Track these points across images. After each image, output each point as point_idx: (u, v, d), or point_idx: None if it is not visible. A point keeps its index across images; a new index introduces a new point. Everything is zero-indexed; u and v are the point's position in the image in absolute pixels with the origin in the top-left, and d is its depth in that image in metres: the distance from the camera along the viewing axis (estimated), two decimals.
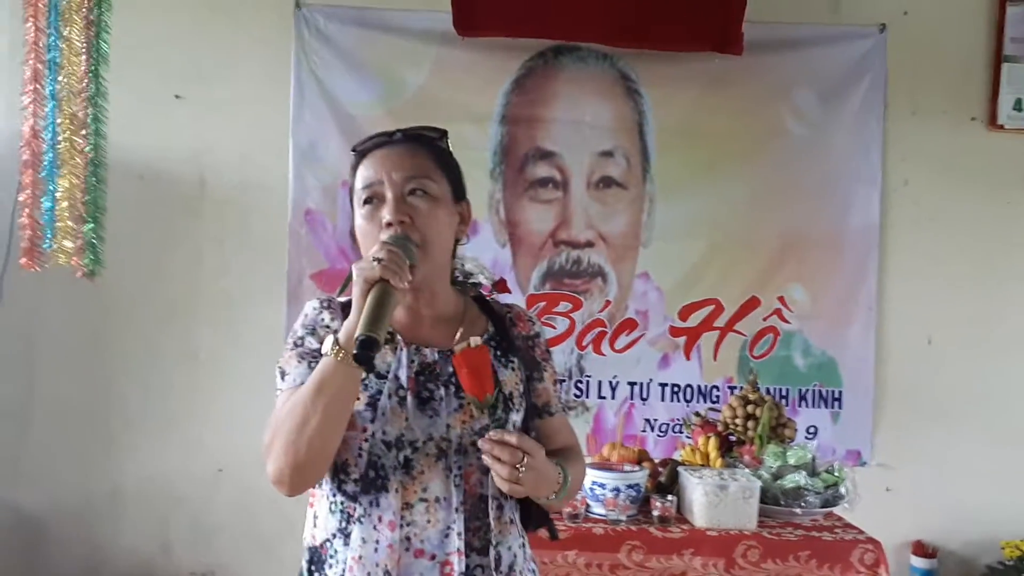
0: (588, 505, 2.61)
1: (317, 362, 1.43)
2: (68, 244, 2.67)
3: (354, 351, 1.32)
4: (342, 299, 1.57)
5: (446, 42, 3.75)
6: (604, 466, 2.69)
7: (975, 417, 3.92)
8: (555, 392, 1.64)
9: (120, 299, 3.75)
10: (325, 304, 1.57)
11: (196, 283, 3.80)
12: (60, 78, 2.78)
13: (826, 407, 3.90)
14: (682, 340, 3.89)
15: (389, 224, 1.46)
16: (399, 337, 1.52)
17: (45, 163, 2.67)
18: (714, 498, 2.56)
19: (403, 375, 1.48)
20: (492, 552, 1.47)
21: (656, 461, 2.90)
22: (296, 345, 1.51)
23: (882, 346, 3.91)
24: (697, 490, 2.58)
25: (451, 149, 1.61)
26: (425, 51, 3.80)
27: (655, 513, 2.58)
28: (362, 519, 1.46)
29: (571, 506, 2.56)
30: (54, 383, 3.77)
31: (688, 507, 2.63)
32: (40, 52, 2.70)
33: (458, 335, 1.49)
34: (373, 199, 1.49)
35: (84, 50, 2.74)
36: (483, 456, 1.41)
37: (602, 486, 2.58)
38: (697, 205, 3.89)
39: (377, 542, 1.45)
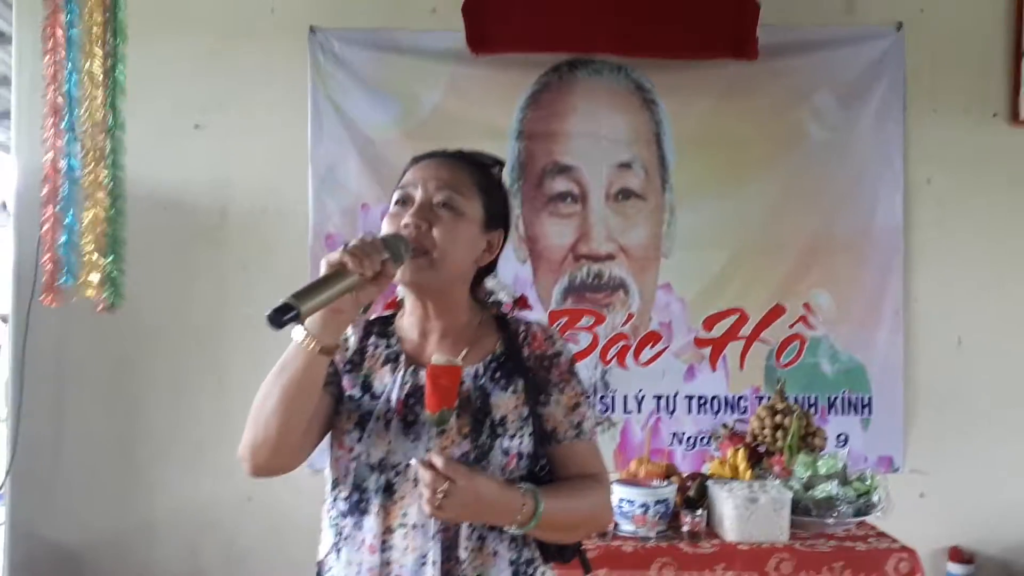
0: (616, 523, 2.58)
1: (333, 366, 1.50)
2: (93, 278, 2.69)
3: (267, 312, 1.28)
4: (375, 315, 1.61)
5: (460, 60, 3.76)
6: (632, 482, 2.67)
7: (1009, 418, 3.86)
8: (567, 418, 1.55)
9: (146, 329, 3.78)
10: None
11: (221, 311, 3.82)
12: (79, 111, 2.81)
13: (856, 414, 3.85)
14: (707, 351, 3.86)
15: (406, 226, 1.47)
16: (402, 358, 1.53)
17: (62, 197, 2.70)
18: (744, 511, 2.53)
19: (394, 396, 1.50)
20: None
21: (684, 475, 2.87)
22: None
23: (911, 349, 3.86)
24: (727, 504, 2.55)
25: (502, 181, 1.63)
26: (440, 70, 3.81)
27: (685, 528, 2.56)
28: (348, 540, 1.48)
29: None
30: (83, 416, 3.81)
31: (718, 521, 2.60)
32: (59, 86, 2.74)
33: (462, 355, 1.50)
34: (404, 201, 1.51)
35: (102, 82, 2.77)
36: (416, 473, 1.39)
37: (631, 503, 2.56)
38: (718, 213, 3.86)
39: (360, 564, 1.47)
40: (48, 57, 2.81)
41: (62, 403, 3.81)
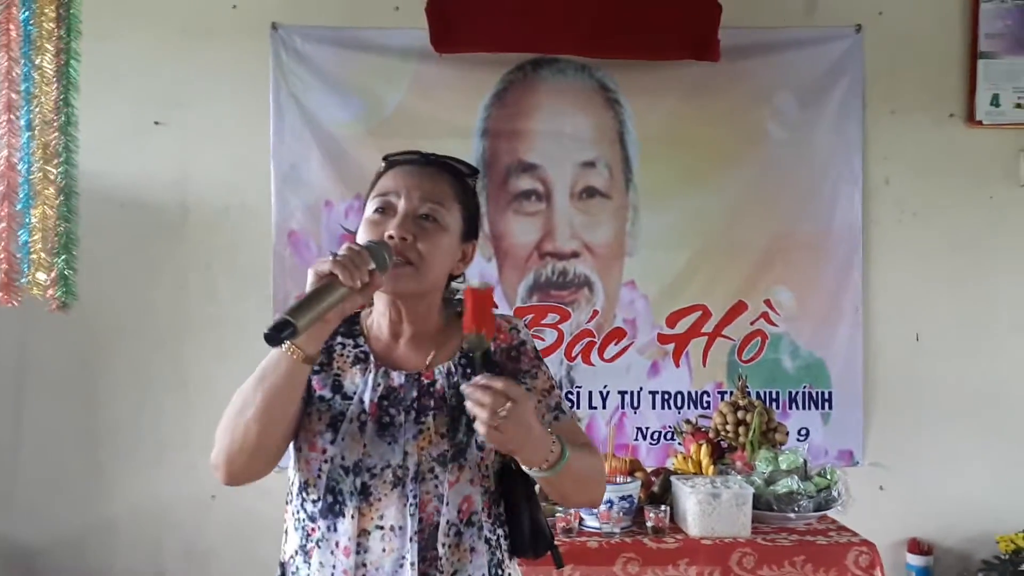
0: (582, 519, 2.60)
1: None
2: (42, 276, 2.64)
3: (265, 330, 1.28)
4: None
5: (424, 59, 3.75)
6: None
7: (966, 412, 3.93)
8: (544, 401, 1.55)
9: (107, 328, 3.74)
10: None
11: (183, 309, 3.79)
12: (33, 107, 2.76)
13: (816, 408, 3.91)
14: (671, 347, 3.90)
15: (391, 238, 1.46)
16: (372, 359, 1.53)
17: (21, 195, 2.65)
18: (707, 507, 2.55)
19: (367, 398, 1.48)
20: None
21: (649, 471, 2.89)
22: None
23: (870, 345, 3.93)
24: (690, 499, 2.58)
25: (475, 191, 1.61)
26: (403, 68, 3.80)
27: (649, 524, 2.58)
28: (320, 543, 1.47)
29: (564, 520, 2.55)
30: (43, 414, 3.76)
31: (682, 516, 2.63)
32: (14, 82, 2.69)
33: (429, 358, 1.51)
34: (385, 209, 1.50)
35: (55, 79, 2.73)
36: (466, 402, 1.34)
37: None
38: (681, 212, 3.89)
39: (334, 567, 1.45)
40: (2, 53, 2.76)
41: (22, 402, 3.75)
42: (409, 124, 3.76)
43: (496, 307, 1.49)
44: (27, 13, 2.70)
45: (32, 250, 2.76)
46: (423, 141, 3.87)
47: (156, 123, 3.77)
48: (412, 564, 1.43)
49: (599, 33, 3.66)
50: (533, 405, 1.40)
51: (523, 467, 1.45)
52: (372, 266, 1.38)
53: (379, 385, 1.49)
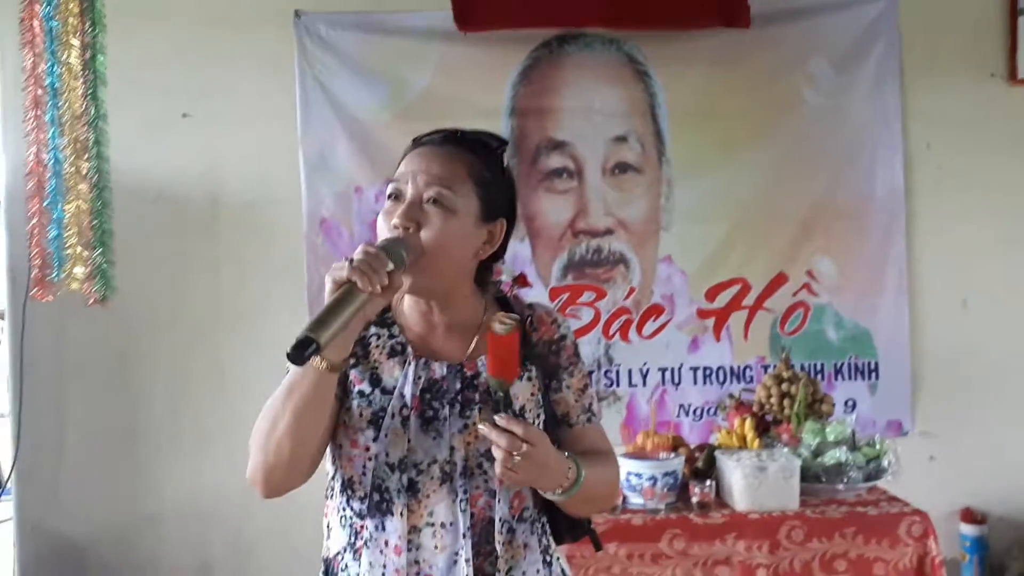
0: (625, 496, 2.56)
1: None
2: (79, 271, 2.66)
3: (288, 350, 1.23)
4: None
5: (448, 39, 3.71)
6: (639, 455, 2.65)
7: (1016, 378, 3.84)
8: (579, 401, 1.53)
9: (143, 322, 3.75)
10: None
11: (217, 301, 3.79)
12: (60, 103, 2.77)
13: (863, 379, 3.83)
14: (711, 322, 3.83)
15: (395, 227, 1.40)
16: (409, 350, 1.47)
17: (49, 191, 2.66)
18: (753, 480, 2.51)
19: (408, 392, 1.43)
20: None
21: (692, 446, 2.85)
22: None
23: (916, 313, 3.84)
24: (736, 473, 2.53)
25: (505, 163, 1.53)
26: (428, 50, 3.77)
27: (694, 499, 2.54)
28: (368, 543, 1.43)
29: None
30: (85, 410, 3.78)
31: (728, 491, 2.58)
32: (40, 78, 2.70)
33: (470, 349, 1.46)
34: (396, 196, 1.44)
35: (82, 73, 2.73)
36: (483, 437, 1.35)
37: (638, 476, 2.53)
38: (716, 184, 3.82)
39: (384, 567, 1.42)
40: (27, 50, 2.77)
41: (63, 398, 3.78)
42: (436, 106, 3.72)
43: (479, 375, 1.44)
44: (48, 8, 2.70)
45: (68, 245, 2.78)
46: (451, 123, 3.83)
47: (184, 115, 3.77)
48: (467, 560, 1.40)
49: (624, 4, 3.60)
50: (549, 445, 1.37)
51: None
52: (390, 267, 1.32)
53: (420, 378, 1.44)
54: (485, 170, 1.47)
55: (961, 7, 3.84)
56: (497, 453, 1.32)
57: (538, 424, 1.47)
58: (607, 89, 3.83)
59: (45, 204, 2.67)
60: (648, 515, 2.49)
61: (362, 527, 1.43)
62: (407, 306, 1.50)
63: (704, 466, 2.71)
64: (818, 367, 3.79)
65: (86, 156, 2.83)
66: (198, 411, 3.78)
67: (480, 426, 1.35)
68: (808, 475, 2.59)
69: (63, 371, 3.78)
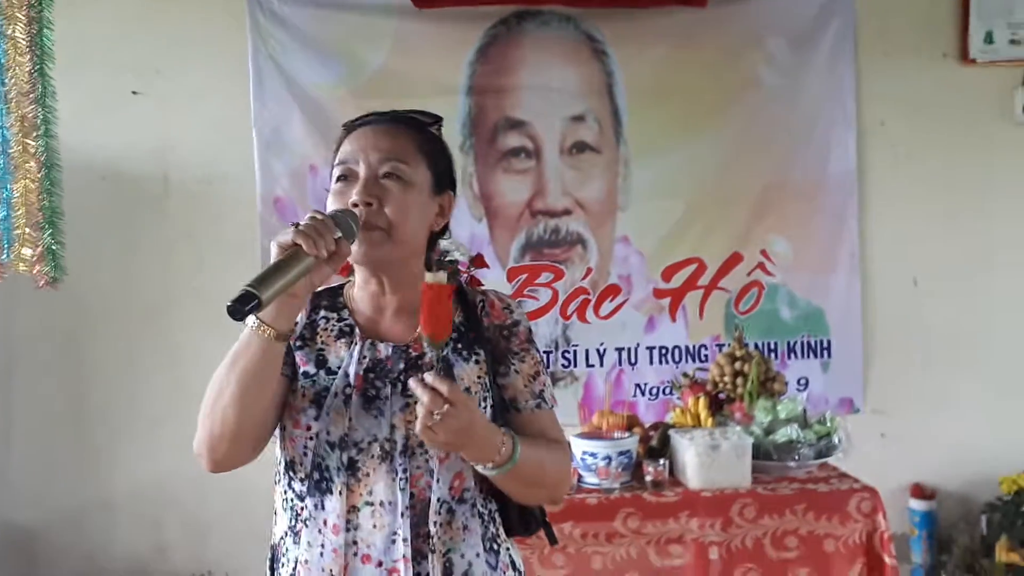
0: (580, 476, 2.57)
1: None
2: (27, 252, 2.58)
3: (227, 303, 1.22)
4: (323, 287, 1.49)
5: (405, 16, 3.67)
6: (594, 435, 2.65)
7: (966, 356, 3.91)
8: (528, 387, 1.51)
9: (93, 304, 3.69)
10: None
11: (170, 282, 3.74)
12: (7, 80, 2.69)
13: (816, 357, 3.87)
14: (667, 302, 3.85)
15: (355, 204, 1.40)
16: (357, 332, 1.46)
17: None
18: (706, 458, 2.52)
19: (352, 371, 1.43)
20: (432, 559, 1.40)
21: (647, 426, 2.86)
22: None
23: (868, 291, 3.89)
24: (689, 451, 2.55)
25: (442, 139, 1.54)
26: (384, 27, 3.72)
27: (648, 478, 2.55)
28: (307, 522, 1.42)
29: None
30: (35, 394, 3.72)
31: (681, 469, 2.60)
32: None
33: (418, 331, 1.43)
34: (347, 177, 1.44)
35: (28, 49, 2.65)
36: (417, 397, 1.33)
37: (593, 455, 2.54)
38: (673, 164, 3.83)
39: (323, 546, 1.41)
40: None
41: (11, 382, 3.72)
42: (392, 83, 3.69)
43: (424, 355, 1.42)
44: None
45: (16, 226, 2.70)
46: (407, 100, 3.76)
47: (134, 93, 3.70)
48: (405, 540, 1.39)
49: None
50: (474, 411, 1.35)
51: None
52: (338, 234, 1.32)
53: (365, 358, 1.43)
54: (429, 143, 1.49)
55: None
56: (419, 410, 1.31)
57: (485, 408, 1.46)
58: (565, 68, 3.81)
59: None
60: (603, 494, 2.50)
61: (302, 508, 1.42)
62: (358, 289, 1.50)
63: (658, 445, 2.72)
64: (772, 346, 3.84)
65: (34, 134, 2.75)
66: (151, 393, 3.73)
67: (410, 382, 1.34)
68: (760, 453, 2.61)
69: (11, 354, 3.71)
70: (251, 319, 1.31)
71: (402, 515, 1.39)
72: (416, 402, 1.36)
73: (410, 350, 1.45)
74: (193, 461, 3.77)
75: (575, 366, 3.83)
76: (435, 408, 1.30)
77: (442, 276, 1.36)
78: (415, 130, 1.49)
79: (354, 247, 1.38)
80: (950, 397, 3.88)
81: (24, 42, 2.69)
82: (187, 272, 3.72)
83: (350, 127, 1.50)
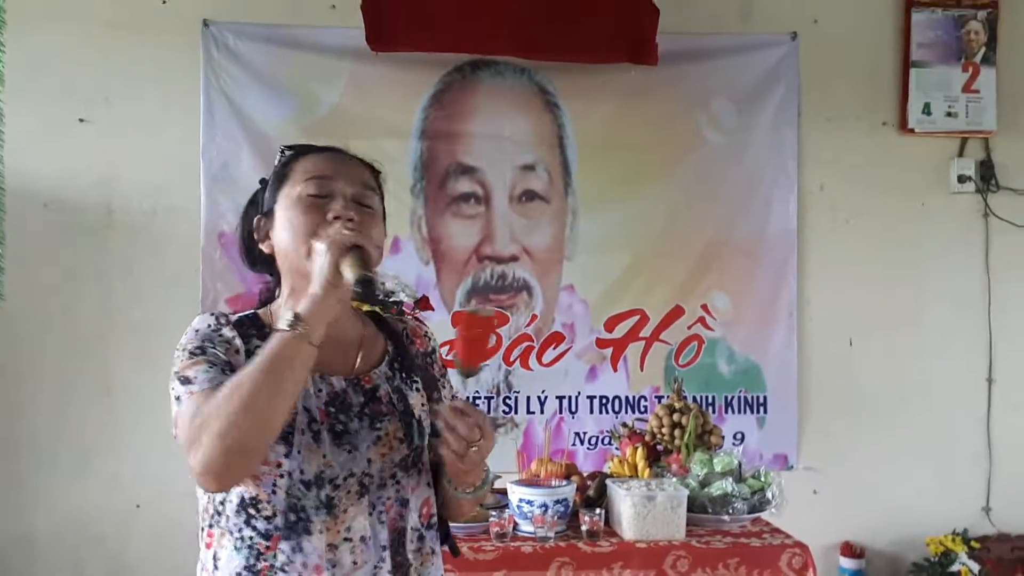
0: (516, 523, 2.56)
1: (232, 369, 1.33)
2: None
3: (354, 288, 1.27)
4: (235, 315, 1.47)
5: (360, 58, 3.69)
6: (531, 483, 2.64)
7: (898, 417, 3.98)
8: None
9: (27, 332, 3.60)
10: (222, 320, 1.44)
11: (107, 313, 3.67)
12: None
13: (752, 413, 3.93)
14: (609, 351, 3.88)
15: (337, 218, 1.37)
16: None
17: None
18: (642, 509, 2.53)
19: (312, 406, 1.39)
20: None
21: (585, 475, 2.86)
22: (197, 353, 1.37)
23: (804, 350, 3.96)
24: (625, 502, 2.55)
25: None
26: (339, 67, 3.74)
27: (584, 528, 2.54)
28: (286, 567, 1.36)
29: (498, 525, 2.50)
30: None
31: (617, 519, 2.60)
32: None
33: (358, 361, 1.46)
34: (322, 193, 1.41)
35: None
36: (438, 422, 1.34)
37: (530, 503, 2.53)
38: (619, 216, 3.89)
39: None
40: None
41: None
42: (345, 124, 3.71)
43: (378, 388, 1.45)
44: None
45: None
46: (359, 141, 3.77)
47: (81, 120, 3.65)
48: (389, 572, 1.38)
49: (537, 34, 3.64)
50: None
51: (447, 485, 1.46)
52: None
53: (321, 392, 1.40)
54: (378, 181, 1.53)
55: (858, 57, 4.00)
56: (452, 439, 1.32)
57: (428, 434, 1.48)
58: (517, 117, 3.87)
59: None
60: (538, 543, 2.48)
61: (267, 548, 1.36)
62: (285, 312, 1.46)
63: (595, 494, 2.72)
64: (709, 399, 3.88)
65: None
66: (82, 427, 3.64)
67: (443, 408, 1.34)
68: (695, 505, 2.62)
69: None
70: (285, 322, 1.28)
71: (383, 547, 1.39)
72: (388, 434, 1.40)
73: (363, 383, 1.44)
74: (120, 496, 3.70)
75: (516, 413, 3.83)
76: (473, 439, 1.32)
77: (488, 309, 1.37)
78: (371, 168, 1.52)
79: (349, 275, 1.32)
80: (881, 457, 3.95)
81: None
82: (126, 303, 3.66)
83: (305, 149, 1.49)
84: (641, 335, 3.88)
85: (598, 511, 2.56)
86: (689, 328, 3.90)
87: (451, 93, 3.83)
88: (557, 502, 2.54)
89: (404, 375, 1.49)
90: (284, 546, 1.36)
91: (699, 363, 3.90)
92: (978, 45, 3.99)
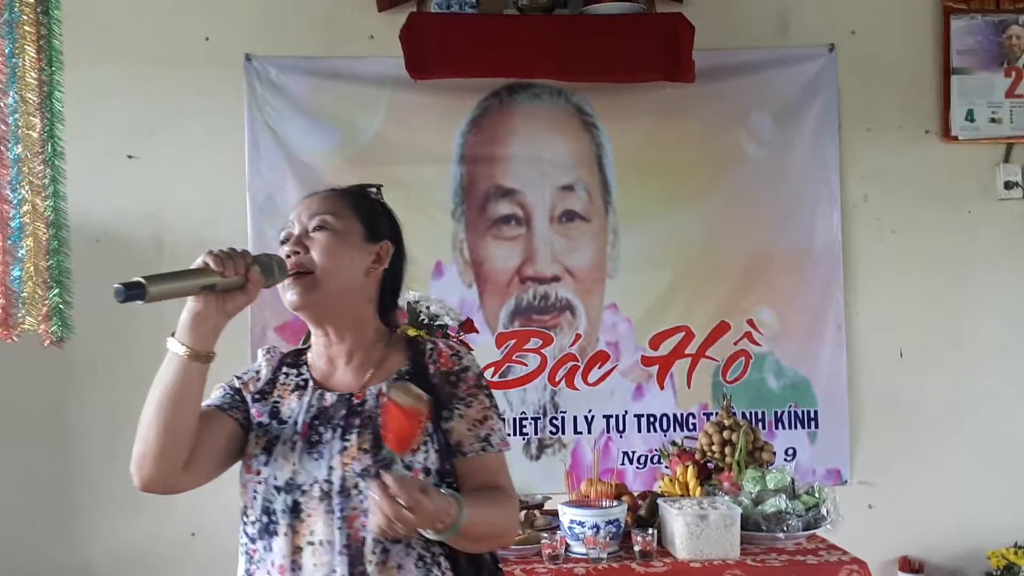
0: (568, 545, 2.55)
1: (233, 393, 1.58)
2: (34, 311, 2.61)
3: (116, 283, 1.36)
4: (287, 349, 1.67)
5: (399, 86, 3.74)
6: (582, 503, 2.64)
7: (952, 427, 3.92)
8: (472, 431, 1.55)
9: (82, 367, 3.67)
10: (266, 352, 1.66)
11: (160, 345, 3.68)
12: (21, 140, 2.74)
13: (803, 427, 3.89)
14: (655, 369, 3.87)
15: (288, 255, 1.53)
16: (310, 384, 1.58)
17: (13, 229, 2.61)
18: (695, 528, 2.51)
19: (300, 419, 1.53)
20: None
21: (636, 494, 2.85)
22: (231, 380, 1.62)
23: (854, 363, 3.91)
24: (677, 521, 2.54)
25: (383, 201, 1.68)
26: (379, 96, 3.80)
27: (636, 548, 2.53)
28: (259, 564, 1.50)
29: (550, 547, 2.50)
30: (17, 455, 3.68)
31: (670, 539, 2.58)
32: (3, 114, 2.66)
33: (366, 378, 1.56)
34: (286, 239, 1.57)
35: (38, 110, 2.70)
36: (369, 496, 1.40)
37: (581, 524, 2.53)
38: (660, 234, 3.89)
39: None
40: None
41: None
42: (386, 152, 3.76)
43: (422, 427, 1.46)
44: (11, 47, 2.67)
45: (24, 285, 2.72)
46: (400, 168, 3.88)
47: (129, 157, 3.74)
48: None
49: (574, 56, 3.64)
50: (428, 501, 1.36)
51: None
52: (252, 265, 1.44)
53: (312, 407, 1.54)
54: (363, 200, 1.64)
55: (897, 66, 3.97)
56: (379, 517, 1.36)
57: (427, 454, 1.50)
58: (555, 139, 3.89)
59: (10, 242, 2.62)
60: (590, 564, 2.47)
61: (254, 551, 1.50)
62: (313, 345, 1.62)
63: (647, 514, 2.71)
64: (759, 415, 3.85)
65: (43, 194, 2.79)
66: None
67: (370, 486, 1.39)
68: (748, 523, 2.60)
69: None
70: (172, 343, 1.44)
71: (339, 553, 1.45)
72: (353, 445, 1.48)
73: (353, 398, 1.54)
74: (174, 525, 3.75)
75: (563, 433, 3.83)
76: (398, 518, 1.34)
77: (415, 400, 1.41)
78: (349, 193, 1.63)
79: (290, 296, 1.52)
80: (937, 469, 3.88)
81: (34, 103, 2.75)
82: None
83: (303, 199, 1.64)
84: (687, 352, 3.87)
85: (650, 531, 2.55)
86: (735, 344, 3.87)
87: (489, 117, 3.87)
88: (609, 523, 2.53)
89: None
90: (258, 544, 1.50)
91: (747, 379, 3.87)
92: (1020, 49, 3.95)
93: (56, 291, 2.74)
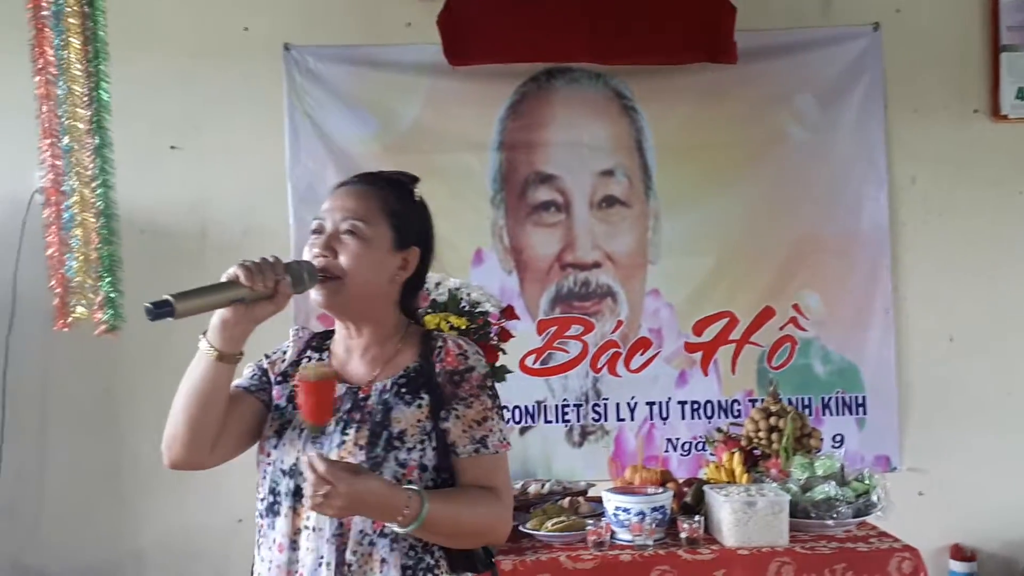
0: (613, 532, 2.54)
1: (260, 374, 1.67)
2: (87, 300, 2.65)
3: (147, 303, 1.41)
4: (318, 330, 1.74)
5: (438, 73, 3.73)
6: (627, 490, 2.62)
7: (1004, 412, 3.84)
8: (468, 432, 1.58)
9: (130, 356, 3.71)
10: (296, 331, 1.73)
11: None
12: (68, 131, 2.77)
13: (851, 414, 3.83)
14: (698, 355, 3.83)
15: (316, 257, 1.58)
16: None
17: (65, 219, 2.65)
18: (743, 515, 2.48)
19: None
20: None
21: (680, 481, 2.83)
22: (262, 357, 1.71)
23: (903, 348, 3.84)
24: (724, 508, 2.51)
25: (418, 197, 1.68)
26: (417, 83, 3.79)
27: (683, 535, 2.51)
28: (264, 539, 1.59)
29: (596, 534, 2.49)
30: (67, 444, 3.74)
31: (716, 527, 2.56)
32: (52, 106, 2.69)
33: (376, 373, 1.61)
34: (319, 231, 1.62)
35: (86, 102, 2.73)
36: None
37: (626, 511, 2.51)
38: (702, 218, 3.84)
39: (271, 562, 1.56)
40: (39, 78, 2.77)
41: (46, 432, 3.74)
42: (425, 139, 3.75)
43: (334, 391, 1.54)
44: (59, 40, 2.70)
45: (76, 275, 2.76)
46: (439, 156, 3.87)
47: (172, 147, 3.77)
48: (329, 564, 1.51)
49: (612, 39, 3.61)
50: (359, 483, 1.43)
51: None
52: (283, 277, 1.49)
53: None
54: (396, 203, 1.64)
55: (944, 44, 3.89)
56: (307, 489, 1.43)
57: (423, 452, 1.55)
58: (594, 123, 3.85)
59: (64, 232, 2.66)
60: (636, 551, 2.46)
61: (262, 526, 1.59)
62: (337, 331, 1.68)
63: (693, 501, 2.69)
64: (806, 401, 3.79)
65: (92, 184, 2.83)
66: None
67: (301, 460, 1.48)
68: (797, 510, 2.56)
69: (47, 405, 3.74)
70: (203, 342, 1.51)
71: (328, 541, 1.52)
72: (350, 439, 1.54)
73: (360, 392, 1.60)
74: (222, 512, 3.80)
75: (605, 420, 3.81)
76: (317, 489, 1.41)
77: (322, 372, 1.51)
78: (385, 191, 1.64)
79: (315, 295, 1.57)
80: (989, 456, 3.80)
81: (81, 95, 2.78)
82: None
83: (337, 186, 1.68)
84: (731, 338, 3.82)
85: (697, 518, 2.53)
86: (781, 329, 3.82)
87: (527, 103, 3.84)
88: (654, 509, 2.51)
89: (408, 390, 1.59)
90: (265, 522, 1.59)
91: (793, 364, 3.81)
92: None
93: (108, 280, 2.78)
